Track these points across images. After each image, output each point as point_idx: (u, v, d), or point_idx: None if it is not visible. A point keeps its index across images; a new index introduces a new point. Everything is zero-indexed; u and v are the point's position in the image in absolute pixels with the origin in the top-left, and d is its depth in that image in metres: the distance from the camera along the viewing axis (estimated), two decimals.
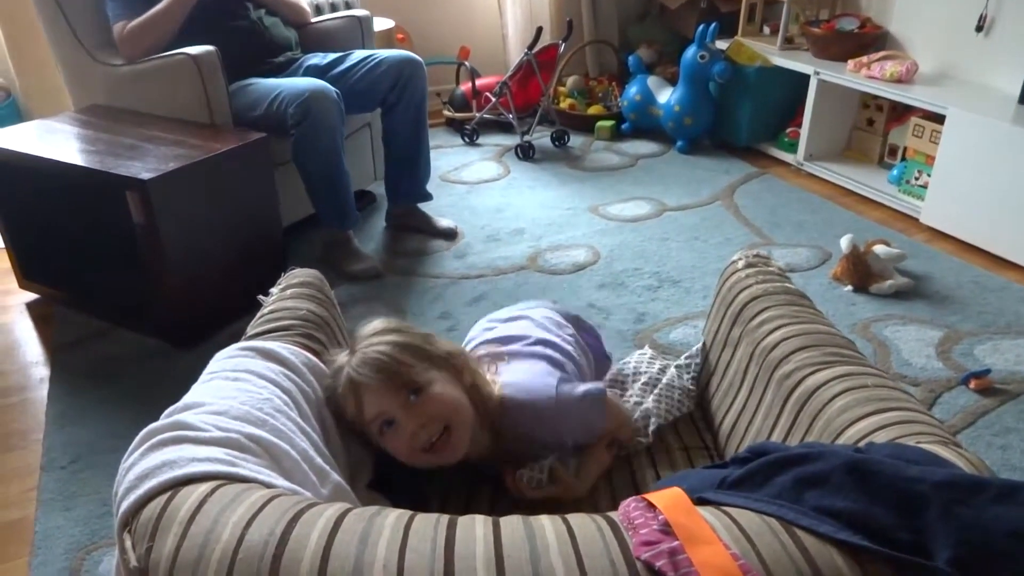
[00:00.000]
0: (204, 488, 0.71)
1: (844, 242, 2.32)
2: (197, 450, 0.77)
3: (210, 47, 2.16)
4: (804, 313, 1.13)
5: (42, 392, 1.91)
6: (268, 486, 0.75)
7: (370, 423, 1.02)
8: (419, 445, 1.01)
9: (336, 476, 0.90)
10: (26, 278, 2.29)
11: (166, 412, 0.86)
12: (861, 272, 2.27)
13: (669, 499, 0.63)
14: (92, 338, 2.11)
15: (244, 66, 2.36)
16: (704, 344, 1.35)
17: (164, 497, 0.71)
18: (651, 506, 0.63)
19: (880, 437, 0.84)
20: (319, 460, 0.89)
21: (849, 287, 2.29)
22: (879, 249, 2.28)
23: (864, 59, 2.92)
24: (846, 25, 3.10)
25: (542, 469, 1.07)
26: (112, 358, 2.02)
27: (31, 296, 2.31)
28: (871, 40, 3.07)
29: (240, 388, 0.92)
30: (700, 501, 0.67)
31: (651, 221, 2.75)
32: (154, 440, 0.79)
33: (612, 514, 0.67)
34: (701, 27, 3.19)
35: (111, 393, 1.88)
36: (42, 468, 1.66)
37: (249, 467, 0.77)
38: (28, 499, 1.58)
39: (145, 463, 0.76)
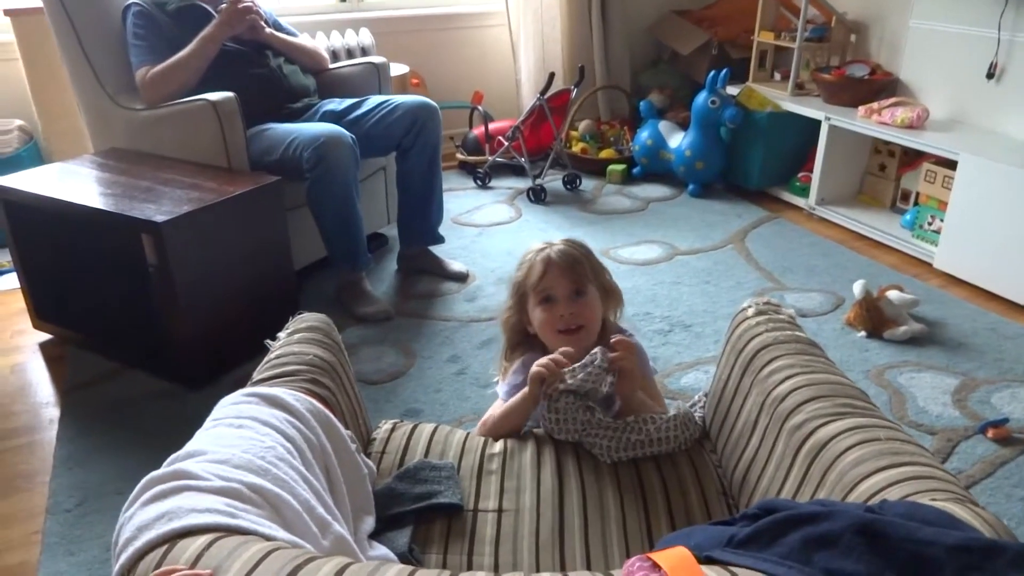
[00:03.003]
0: (202, 541, 0.70)
1: (857, 288, 2.30)
2: (197, 500, 0.76)
3: (229, 93, 2.20)
4: (815, 362, 1.12)
5: (51, 434, 1.91)
6: (267, 538, 0.74)
7: (539, 291, 1.37)
8: (558, 326, 1.35)
9: (338, 527, 0.88)
10: (40, 319, 2.31)
11: (168, 460, 0.86)
12: (875, 318, 2.25)
13: (675, 560, 0.61)
14: (104, 380, 2.11)
15: (262, 112, 2.40)
16: (708, 392, 1.34)
17: (162, 550, 0.70)
18: (656, 566, 0.62)
19: (894, 492, 0.82)
20: (320, 510, 0.88)
21: (862, 333, 2.26)
22: (892, 295, 2.26)
23: (875, 105, 2.94)
24: (856, 72, 3.12)
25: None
26: (123, 400, 2.02)
27: (45, 336, 2.33)
28: (881, 86, 3.09)
29: (243, 436, 0.91)
30: (707, 560, 0.65)
31: (662, 265, 2.75)
32: (155, 490, 0.78)
33: (616, 573, 0.65)
34: (712, 73, 3.23)
35: (121, 435, 1.88)
36: (47, 511, 1.65)
37: (249, 518, 0.76)
38: (32, 542, 1.57)
39: (144, 513, 0.75)
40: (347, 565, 0.67)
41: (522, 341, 1.47)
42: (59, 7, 2.32)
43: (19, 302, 2.37)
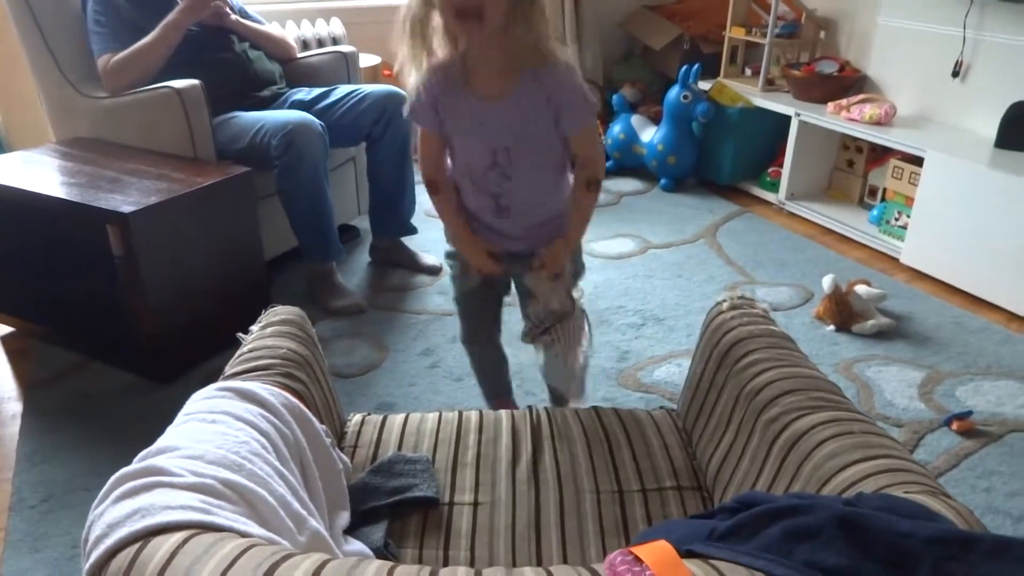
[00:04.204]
0: (176, 538, 0.68)
1: (826, 282, 2.33)
2: (170, 497, 0.74)
3: (194, 80, 2.16)
4: (789, 356, 1.13)
5: (13, 429, 1.86)
6: (243, 535, 0.72)
7: None
8: (456, 4, 1.14)
9: (314, 523, 0.87)
10: (1, 311, 2.25)
11: (139, 456, 0.84)
12: (843, 312, 2.28)
13: (657, 554, 0.61)
14: (68, 373, 2.07)
15: (228, 99, 2.36)
16: (684, 387, 1.35)
17: (134, 548, 0.68)
18: (638, 560, 0.62)
19: (868, 485, 0.83)
20: (296, 506, 0.86)
21: (831, 327, 2.30)
22: (861, 289, 2.30)
23: (843, 102, 2.97)
24: (825, 68, 3.16)
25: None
26: (88, 394, 1.98)
27: (6, 330, 2.27)
28: (850, 83, 3.13)
29: (217, 431, 0.89)
30: (688, 554, 0.65)
31: (635, 258, 2.76)
32: (126, 486, 0.76)
33: (597, 567, 0.65)
34: (684, 68, 3.24)
35: (86, 430, 1.84)
36: (11, 508, 1.61)
37: (224, 515, 0.74)
38: None
39: (116, 511, 0.73)
40: (325, 562, 0.66)
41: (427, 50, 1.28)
42: None
43: None
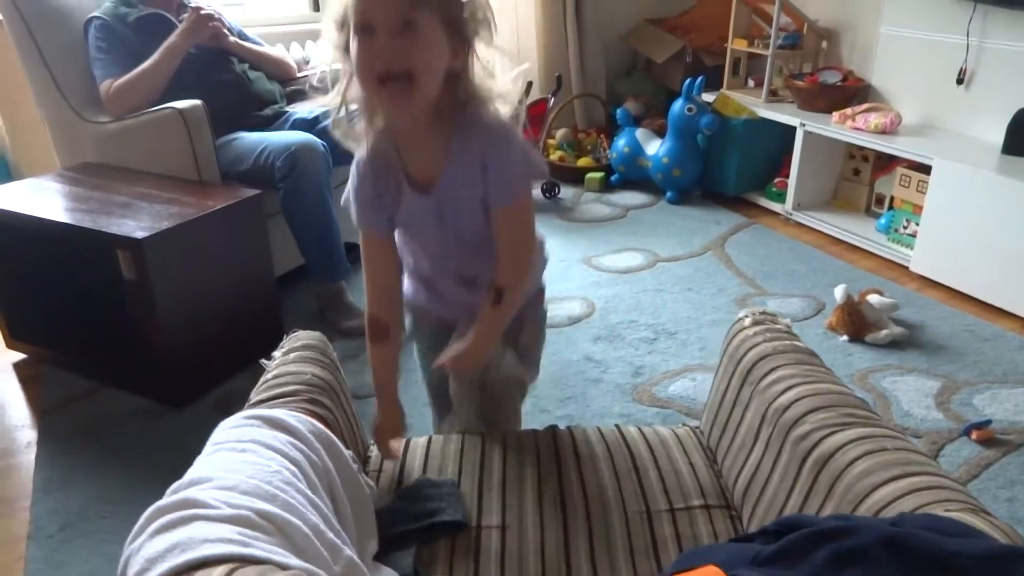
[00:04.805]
0: (218, 573, 0.68)
1: (838, 292, 2.33)
2: (208, 530, 0.74)
3: (197, 101, 2.18)
4: (815, 372, 1.12)
5: (29, 457, 1.86)
6: (283, 567, 0.72)
7: (356, 20, 0.96)
8: (376, 67, 0.96)
9: (348, 551, 0.87)
10: (13, 338, 2.25)
11: (171, 488, 0.83)
12: (856, 322, 2.28)
13: None
14: (81, 399, 2.06)
15: (230, 120, 2.38)
16: (707, 404, 1.34)
17: None
18: None
19: (906, 504, 0.82)
20: (330, 535, 0.86)
21: (844, 337, 2.29)
22: (873, 299, 2.29)
23: (848, 111, 2.98)
24: (829, 78, 3.17)
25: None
26: (102, 419, 1.97)
27: (18, 356, 2.27)
28: (854, 92, 3.14)
29: (247, 460, 0.89)
30: None
31: (644, 272, 2.76)
32: (163, 520, 0.76)
33: None
34: (688, 81, 3.25)
35: (101, 456, 1.83)
36: (29, 537, 1.60)
37: (262, 547, 0.74)
38: (14, 570, 1.52)
39: (153, 545, 0.73)
40: None
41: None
42: (20, 23, 2.28)
43: None
